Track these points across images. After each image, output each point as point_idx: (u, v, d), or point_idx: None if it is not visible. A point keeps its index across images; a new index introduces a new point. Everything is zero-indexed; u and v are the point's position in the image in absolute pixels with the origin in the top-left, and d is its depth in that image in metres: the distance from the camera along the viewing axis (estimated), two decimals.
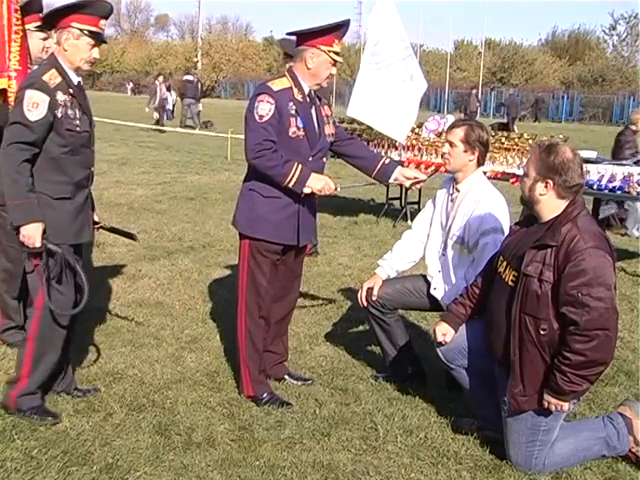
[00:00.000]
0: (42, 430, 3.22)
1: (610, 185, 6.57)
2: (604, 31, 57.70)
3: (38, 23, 4.08)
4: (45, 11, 3.67)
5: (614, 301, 2.85)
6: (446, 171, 3.88)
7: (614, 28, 55.76)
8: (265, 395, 3.58)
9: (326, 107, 3.69)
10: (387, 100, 7.31)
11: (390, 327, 3.90)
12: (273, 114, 3.38)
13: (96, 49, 3.25)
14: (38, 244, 3.15)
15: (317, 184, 3.44)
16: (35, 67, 4.05)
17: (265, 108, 3.38)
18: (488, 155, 4.12)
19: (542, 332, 2.91)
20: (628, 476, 3.11)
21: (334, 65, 3.51)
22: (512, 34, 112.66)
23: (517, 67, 51.65)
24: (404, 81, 7.47)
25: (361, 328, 4.77)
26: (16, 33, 3.80)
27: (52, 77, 3.18)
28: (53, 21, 3.26)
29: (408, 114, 7.52)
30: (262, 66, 55.29)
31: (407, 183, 3.80)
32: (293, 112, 3.44)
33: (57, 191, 3.22)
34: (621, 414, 3.23)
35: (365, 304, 3.87)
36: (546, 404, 2.96)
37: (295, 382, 3.85)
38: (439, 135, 8.59)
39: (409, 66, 7.55)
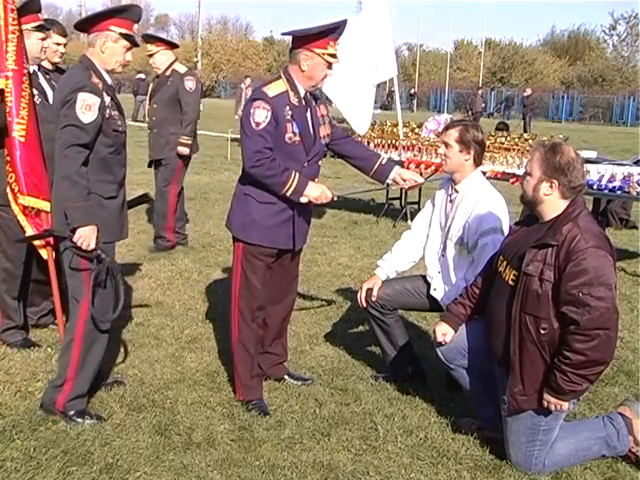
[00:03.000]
0: (42, 430, 3.23)
1: (610, 185, 6.57)
2: (604, 31, 57.81)
3: (37, 23, 4.10)
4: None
5: (615, 301, 2.85)
6: (443, 172, 3.89)
7: (614, 28, 55.85)
8: (254, 401, 3.55)
9: (322, 106, 3.64)
10: (354, 92, 7.76)
11: (390, 327, 3.90)
12: (270, 121, 3.32)
13: (129, 52, 3.34)
14: (93, 246, 3.20)
15: (314, 193, 3.40)
16: (31, 67, 4.07)
17: (262, 115, 3.32)
18: (488, 155, 4.13)
19: (542, 331, 2.91)
20: (628, 476, 3.11)
21: (329, 67, 3.45)
22: (512, 34, 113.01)
23: (517, 67, 51.64)
24: (369, 83, 7.91)
25: (361, 328, 4.77)
26: (12, 33, 3.80)
27: (95, 79, 3.22)
28: (91, 25, 3.29)
29: (367, 109, 8.17)
30: (262, 66, 55.26)
31: (404, 185, 3.75)
32: (289, 117, 3.39)
33: (106, 190, 3.29)
34: (621, 414, 3.23)
35: (365, 305, 3.87)
36: (546, 404, 2.96)
37: (295, 382, 3.85)
38: (439, 135, 8.59)
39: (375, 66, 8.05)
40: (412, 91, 45.18)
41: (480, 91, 26.67)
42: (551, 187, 2.95)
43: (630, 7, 54.52)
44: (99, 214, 3.24)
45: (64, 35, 4.48)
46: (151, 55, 6.56)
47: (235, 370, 3.63)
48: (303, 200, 3.39)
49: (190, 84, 6.51)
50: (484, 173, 3.91)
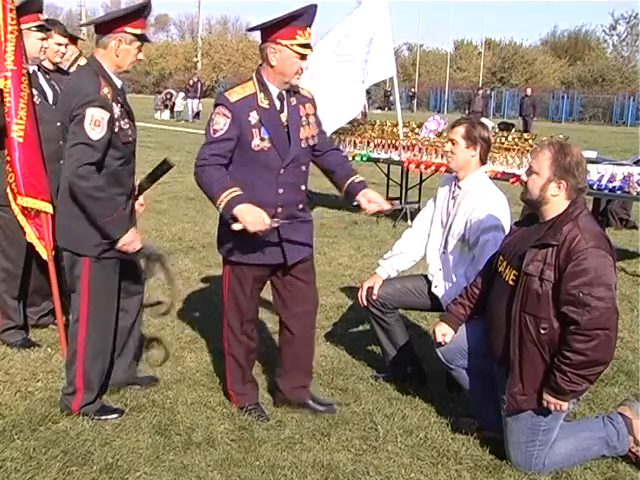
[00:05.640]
0: (42, 430, 3.23)
1: (610, 185, 6.57)
2: (604, 31, 57.86)
3: (37, 23, 4.09)
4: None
5: (615, 301, 2.85)
6: (447, 170, 3.88)
7: (614, 28, 55.88)
8: (250, 406, 3.49)
9: (307, 105, 3.33)
10: (333, 93, 7.54)
11: (390, 327, 3.90)
12: (229, 129, 3.10)
13: (141, 51, 3.29)
14: (139, 245, 3.25)
15: (247, 216, 3.01)
16: (31, 67, 4.06)
17: (220, 122, 3.12)
18: (488, 155, 4.12)
19: (542, 331, 2.91)
20: (628, 476, 3.11)
21: (303, 59, 3.13)
22: (512, 34, 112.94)
23: (517, 67, 51.65)
24: (355, 82, 7.81)
25: (361, 328, 4.76)
26: (11, 33, 3.80)
27: (105, 88, 3.14)
28: (107, 27, 3.20)
29: (345, 113, 8.03)
30: None
31: (368, 207, 3.36)
32: (255, 122, 3.13)
33: (115, 204, 3.22)
34: (621, 414, 3.23)
35: (365, 303, 3.87)
36: (545, 403, 2.96)
37: (319, 407, 3.52)
38: (439, 135, 8.60)
39: (367, 67, 7.90)
40: (412, 91, 45.19)
41: (480, 91, 26.66)
42: (559, 188, 2.95)
43: (630, 7, 54.58)
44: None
45: (65, 35, 4.48)
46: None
47: (227, 379, 3.57)
48: (235, 227, 3.03)
49: None
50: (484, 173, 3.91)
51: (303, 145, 3.28)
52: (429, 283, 3.82)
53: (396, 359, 3.93)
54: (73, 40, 6.50)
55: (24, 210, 3.94)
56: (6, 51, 3.80)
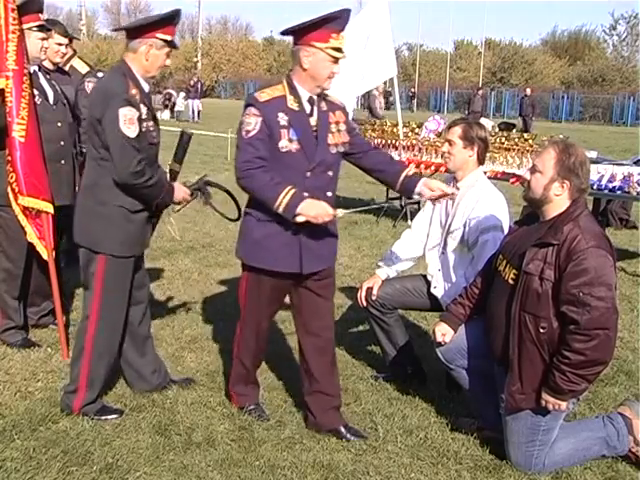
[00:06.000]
0: (42, 430, 3.22)
1: (610, 185, 6.57)
2: (604, 31, 57.88)
3: (38, 23, 4.10)
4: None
5: (615, 301, 2.85)
6: (446, 171, 3.89)
7: (614, 28, 55.90)
8: (250, 406, 3.48)
9: (337, 112, 3.27)
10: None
11: (390, 327, 3.90)
12: (261, 128, 3.05)
13: (169, 57, 3.35)
14: (188, 192, 3.48)
15: (311, 210, 3.02)
16: (32, 67, 4.07)
17: (251, 122, 3.06)
18: (488, 155, 4.13)
19: (542, 330, 2.92)
20: (628, 476, 3.11)
21: (335, 62, 3.10)
22: (512, 34, 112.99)
23: (517, 67, 51.63)
24: (350, 81, 7.88)
25: (361, 328, 4.76)
26: (13, 33, 3.80)
27: (133, 90, 3.20)
28: (137, 33, 3.25)
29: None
30: (262, 66, 55.31)
31: (432, 195, 3.31)
32: (284, 123, 3.08)
33: (135, 204, 3.27)
34: (621, 414, 3.23)
35: (365, 304, 3.87)
36: (544, 403, 2.96)
37: (351, 437, 3.30)
38: (439, 135, 8.60)
39: (366, 68, 7.93)
40: (412, 91, 45.18)
41: (480, 91, 26.66)
42: (562, 187, 2.96)
43: (630, 7, 54.59)
44: (124, 227, 3.27)
45: (66, 35, 4.49)
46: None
47: (230, 378, 3.57)
48: (299, 219, 3.03)
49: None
50: (484, 173, 3.91)
51: (332, 151, 3.21)
52: (428, 283, 3.82)
53: (396, 359, 3.93)
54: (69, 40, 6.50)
55: (25, 210, 3.94)
56: (8, 51, 3.80)
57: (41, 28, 4.10)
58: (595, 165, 6.96)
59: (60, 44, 4.42)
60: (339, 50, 3.07)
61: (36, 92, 4.05)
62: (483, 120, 10.04)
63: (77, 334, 3.45)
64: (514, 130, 18.34)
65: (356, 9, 8.37)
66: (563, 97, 43.15)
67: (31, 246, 4.04)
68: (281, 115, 3.09)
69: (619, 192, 6.59)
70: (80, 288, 5.29)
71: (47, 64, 4.34)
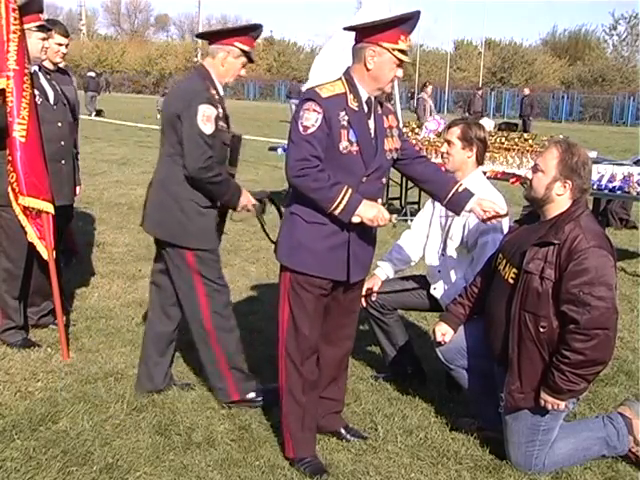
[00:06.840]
0: (42, 430, 3.23)
1: (610, 185, 6.57)
2: (604, 31, 57.93)
3: (39, 23, 4.10)
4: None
5: (615, 301, 2.85)
6: (447, 170, 3.88)
7: (614, 28, 55.87)
8: (307, 459, 3.05)
9: (390, 117, 3.12)
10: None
11: (390, 327, 3.90)
12: (320, 125, 2.83)
13: (245, 67, 3.45)
14: (252, 201, 3.49)
15: (369, 213, 2.87)
16: (32, 67, 4.07)
17: (311, 118, 2.83)
18: (488, 155, 4.13)
19: (541, 330, 2.92)
20: (628, 476, 3.11)
21: (399, 66, 2.93)
22: (512, 34, 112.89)
23: (517, 67, 51.60)
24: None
25: (361, 328, 4.74)
26: (14, 33, 3.80)
27: (212, 90, 3.33)
28: (218, 38, 3.40)
29: None
30: (262, 66, 55.24)
31: (484, 216, 3.19)
32: (345, 123, 2.88)
33: (204, 200, 3.36)
34: (621, 414, 3.23)
35: (364, 305, 3.87)
36: (543, 402, 2.96)
37: (352, 438, 3.29)
38: (439, 135, 8.61)
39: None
40: (412, 91, 45.17)
41: (480, 91, 26.68)
42: (564, 187, 2.96)
43: (630, 7, 54.61)
44: (196, 220, 3.34)
45: (66, 35, 4.49)
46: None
47: (283, 422, 3.11)
48: (355, 220, 2.87)
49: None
50: (484, 173, 3.91)
51: (388, 156, 3.07)
52: (428, 284, 3.82)
53: (396, 359, 3.94)
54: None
55: (25, 210, 3.94)
56: (9, 51, 3.80)
57: (41, 28, 4.11)
58: (595, 165, 6.96)
59: (60, 44, 4.41)
60: (405, 53, 2.91)
61: (37, 92, 4.05)
62: (485, 120, 10.02)
63: (199, 339, 3.54)
64: (516, 130, 18.35)
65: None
66: (563, 97, 43.13)
67: (31, 246, 4.04)
68: (342, 114, 2.90)
69: (619, 192, 6.58)
70: (80, 288, 5.31)
71: (47, 64, 4.34)
